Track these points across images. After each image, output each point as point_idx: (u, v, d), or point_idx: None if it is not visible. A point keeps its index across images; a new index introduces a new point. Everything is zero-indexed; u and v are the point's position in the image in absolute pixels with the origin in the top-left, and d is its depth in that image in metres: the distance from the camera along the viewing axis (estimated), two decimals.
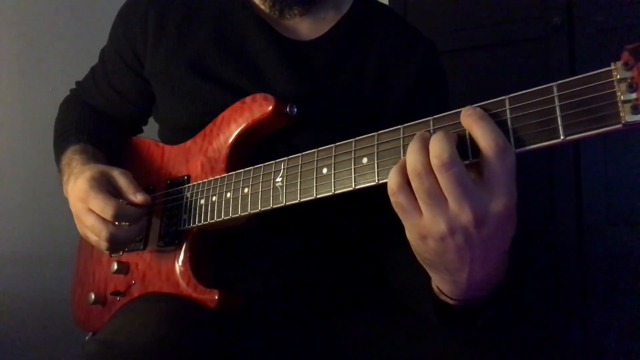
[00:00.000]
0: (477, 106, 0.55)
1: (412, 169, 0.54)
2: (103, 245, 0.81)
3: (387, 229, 0.83)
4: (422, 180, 0.53)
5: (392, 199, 0.56)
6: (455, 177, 0.51)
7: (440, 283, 0.62)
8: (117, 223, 0.80)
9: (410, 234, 0.57)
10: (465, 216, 0.52)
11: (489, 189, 0.52)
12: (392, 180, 0.56)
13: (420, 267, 0.62)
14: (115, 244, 0.82)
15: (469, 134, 0.54)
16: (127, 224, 0.81)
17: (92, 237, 0.83)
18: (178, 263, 0.85)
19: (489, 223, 0.52)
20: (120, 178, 0.84)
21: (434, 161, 0.52)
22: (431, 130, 0.58)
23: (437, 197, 0.53)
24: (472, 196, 0.52)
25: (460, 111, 0.56)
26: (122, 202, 0.80)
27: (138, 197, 0.82)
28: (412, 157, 0.54)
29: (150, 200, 0.83)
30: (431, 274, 0.62)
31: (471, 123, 0.53)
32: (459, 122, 0.56)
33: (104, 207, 0.78)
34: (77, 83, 1.14)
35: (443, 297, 0.63)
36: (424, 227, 0.55)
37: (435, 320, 0.69)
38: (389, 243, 0.87)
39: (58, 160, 1.00)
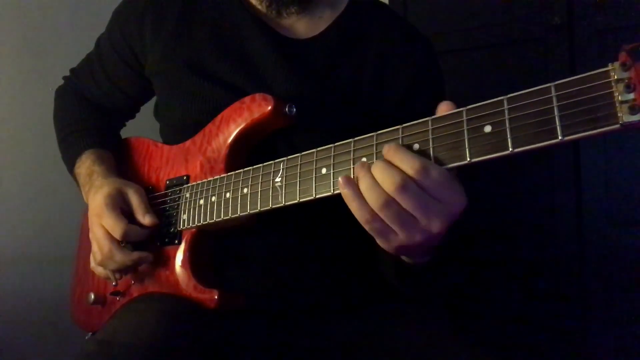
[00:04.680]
0: (471, 108, 0.57)
1: (376, 205, 0.58)
2: (97, 257, 0.89)
3: None
4: (389, 208, 0.58)
5: (367, 227, 0.60)
6: (414, 194, 0.57)
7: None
8: (122, 244, 0.86)
9: (386, 247, 0.62)
10: (435, 226, 0.58)
11: (441, 202, 0.58)
12: (359, 214, 0.60)
13: None
14: (110, 262, 0.87)
15: (432, 147, 0.58)
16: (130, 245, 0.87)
17: (95, 248, 0.90)
18: (177, 263, 0.85)
19: (452, 220, 0.59)
20: (134, 197, 0.89)
21: (390, 188, 0.57)
22: (430, 130, 0.59)
23: (407, 218, 0.58)
24: (433, 209, 0.58)
25: (459, 111, 0.57)
26: (130, 225, 0.86)
27: (146, 219, 0.87)
28: (370, 195, 0.58)
29: (157, 220, 0.88)
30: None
31: (391, 158, 0.58)
32: (459, 122, 0.57)
33: (113, 226, 0.85)
34: (72, 70, 1.14)
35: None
36: (401, 242, 0.60)
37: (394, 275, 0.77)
38: None
39: (71, 161, 1.02)
